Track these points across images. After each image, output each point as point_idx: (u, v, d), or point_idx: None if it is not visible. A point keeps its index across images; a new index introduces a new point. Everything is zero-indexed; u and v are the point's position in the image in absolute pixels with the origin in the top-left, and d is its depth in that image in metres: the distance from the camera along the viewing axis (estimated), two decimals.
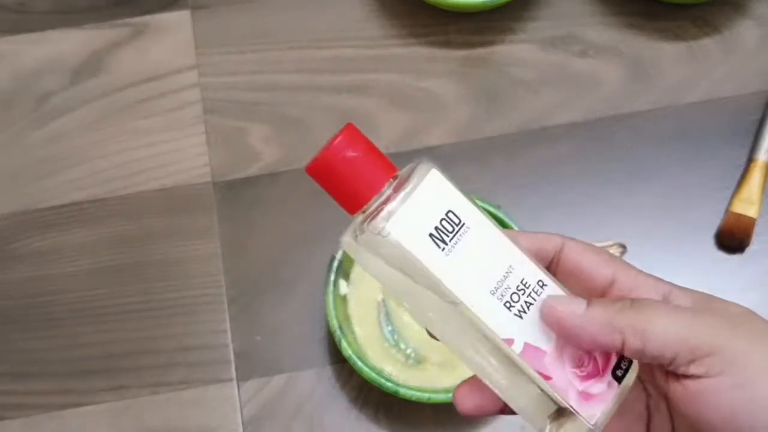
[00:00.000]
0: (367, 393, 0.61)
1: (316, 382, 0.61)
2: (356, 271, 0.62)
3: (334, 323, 0.58)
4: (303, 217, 0.67)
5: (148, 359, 0.62)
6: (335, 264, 0.60)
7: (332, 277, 0.60)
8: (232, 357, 0.62)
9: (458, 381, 0.58)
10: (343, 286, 0.61)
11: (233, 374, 0.62)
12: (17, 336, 0.63)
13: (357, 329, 0.61)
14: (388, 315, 0.62)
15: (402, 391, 0.57)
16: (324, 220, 0.66)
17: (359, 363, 0.57)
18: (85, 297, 0.64)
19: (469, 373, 0.59)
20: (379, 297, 0.62)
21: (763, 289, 0.64)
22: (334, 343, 0.58)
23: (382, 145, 0.70)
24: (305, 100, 0.71)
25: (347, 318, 0.61)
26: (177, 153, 0.69)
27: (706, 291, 0.64)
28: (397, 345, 0.61)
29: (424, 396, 0.57)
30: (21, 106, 0.71)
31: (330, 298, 0.59)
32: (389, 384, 0.57)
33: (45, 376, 0.62)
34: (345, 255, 0.60)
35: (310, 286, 0.64)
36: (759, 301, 0.63)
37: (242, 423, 0.60)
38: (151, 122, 0.70)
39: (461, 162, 0.69)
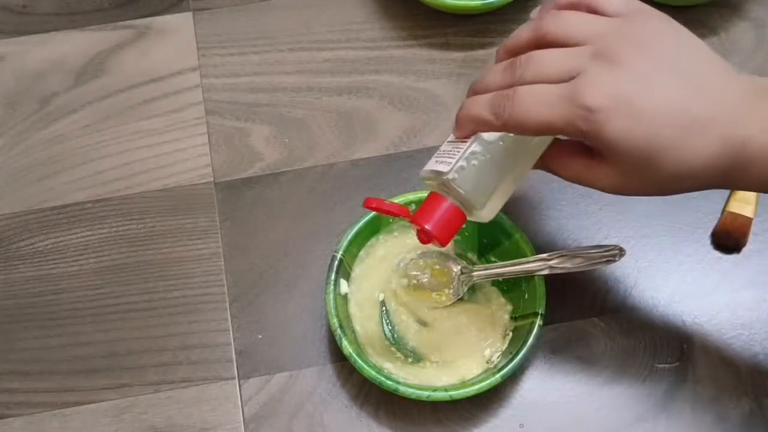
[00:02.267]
0: (368, 391, 0.61)
1: (316, 381, 0.62)
2: (357, 271, 0.62)
3: (335, 322, 0.59)
4: (304, 217, 0.67)
5: (150, 358, 0.63)
6: (336, 263, 0.61)
7: (333, 276, 0.60)
8: (233, 355, 0.63)
9: (457, 379, 0.59)
10: (344, 285, 0.61)
11: (235, 373, 0.62)
12: (20, 335, 0.64)
13: (357, 328, 0.61)
14: (388, 314, 0.63)
15: (402, 389, 0.57)
16: (324, 219, 0.67)
17: (359, 361, 0.58)
18: (88, 296, 0.65)
19: (468, 373, 0.60)
20: (380, 296, 0.63)
21: (760, 289, 0.64)
22: (335, 341, 0.59)
23: (382, 146, 0.72)
24: (306, 101, 0.72)
25: (348, 317, 0.61)
26: (179, 153, 0.70)
27: (702, 290, 0.64)
28: (397, 343, 0.62)
29: (424, 394, 0.57)
30: (24, 107, 0.72)
31: (330, 297, 0.59)
32: (389, 382, 0.57)
33: (48, 374, 0.62)
34: (345, 254, 0.61)
35: (310, 285, 0.64)
36: (754, 301, 0.64)
37: (243, 421, 0.61)
38: (154, 123, 0.71)
39: None
